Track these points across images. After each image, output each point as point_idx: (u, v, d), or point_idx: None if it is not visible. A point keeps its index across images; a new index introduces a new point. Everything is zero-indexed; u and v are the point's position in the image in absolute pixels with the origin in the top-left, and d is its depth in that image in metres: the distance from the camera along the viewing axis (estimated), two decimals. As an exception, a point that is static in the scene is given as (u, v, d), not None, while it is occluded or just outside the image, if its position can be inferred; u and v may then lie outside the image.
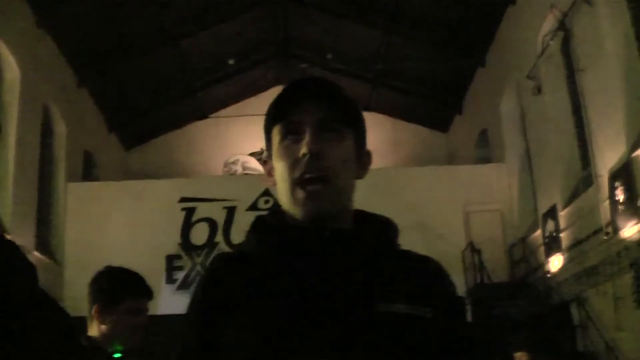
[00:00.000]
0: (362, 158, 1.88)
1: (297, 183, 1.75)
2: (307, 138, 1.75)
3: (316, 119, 1.77)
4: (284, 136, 1.80)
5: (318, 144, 1.74)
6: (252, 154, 25.25)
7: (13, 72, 16.08)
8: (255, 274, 1.75)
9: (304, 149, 1.74)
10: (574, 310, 14.41)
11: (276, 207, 1.91)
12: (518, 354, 7.14)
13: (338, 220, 1.79)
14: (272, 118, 1.83)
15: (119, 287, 3.32)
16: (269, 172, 1.89)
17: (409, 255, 1.88)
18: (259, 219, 1.91)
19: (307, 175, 1.73)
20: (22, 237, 15.66)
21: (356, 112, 1.87)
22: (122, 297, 3.28)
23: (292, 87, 1.84)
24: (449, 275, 1.90)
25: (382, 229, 1.88)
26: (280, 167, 1.79)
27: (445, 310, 1.77)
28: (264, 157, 1.94)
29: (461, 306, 1.89)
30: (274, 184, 1.85)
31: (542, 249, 16.17)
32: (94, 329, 3.27)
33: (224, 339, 1.70)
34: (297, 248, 1.76)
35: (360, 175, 1.87)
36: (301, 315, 1.66)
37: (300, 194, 1.74)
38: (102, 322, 3.25)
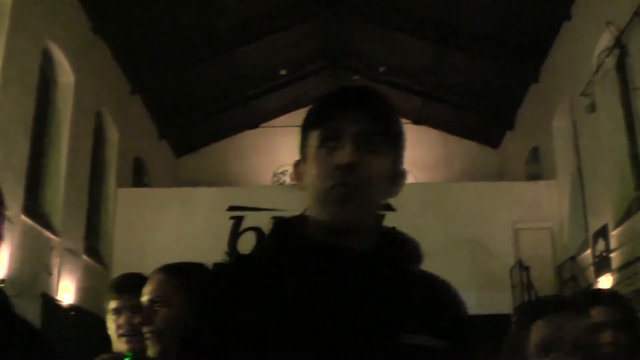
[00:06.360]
0: (397, 177, 1.82)
1: (329, 190, 1.69)
2: (346, 148, 1.70)
3: (357, 130, 1.72)
4: (322, 142, 1.74)
5: (356, 156, 1.69)
6: (301, 165, 25.32)
7: (67, 77, 16.27)
8: (268, 288, 1.66)
9: (341, 159, 1.68)
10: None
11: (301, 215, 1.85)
12: None
13: (362, 237, 1.74)
14: (312, 122, 1.78)
15: None
16: (299, 176, 1.84)
17: (427, 279, 1.83)
18: (279, 225, 1.84)
19: (341, 185, 1.68)
20: (72, 240, 15.83)
21: (398, 129, 1.81)
22: None
23: (337, 93, 1.79)
24: (463, 302, 1.85)
25: (407, 251, 1.82)
26: (314, 173, 1.74)
27: (460, 343, 1.73)
28: (296, 163, 1.88)
29: (474, 340, 1.82)
30: (303, 188, 1.80)
31: (591, 269, 15.96)
32: None
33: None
34: (317, 268, 1.69)
35: (392, 194, 1.81)
36: (321, 341, 1.59)
37: (331, 197, 1.69)
38: None
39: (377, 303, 1.66)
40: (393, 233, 1.85)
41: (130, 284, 3.49)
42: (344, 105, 1.75)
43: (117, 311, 3.39)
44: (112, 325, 3.40)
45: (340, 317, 1.61)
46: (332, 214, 1.70)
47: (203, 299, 1.75)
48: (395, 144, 1.80)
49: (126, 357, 3.29)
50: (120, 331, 3.35)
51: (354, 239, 1.72)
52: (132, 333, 3.29)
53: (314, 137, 1.77)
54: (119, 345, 3.36)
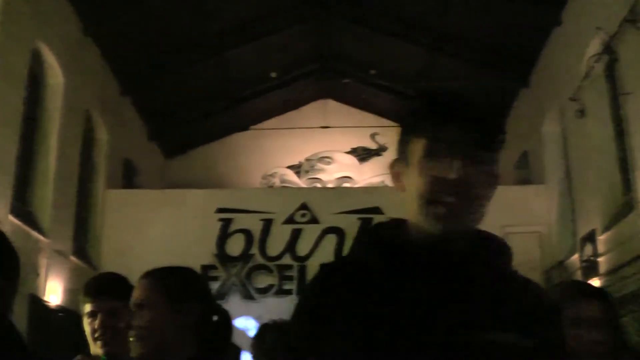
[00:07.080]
0: (494, 180, 1.86)
1: (434, 203, 1.72)
2: (453, 162, 1.72)
3: (465, 143, 1.75)
4: (427, 152, 1.76)
5: (463, 170, 1.72)
6: (290, 167, 25.29)
7: (57, 78, 16.21)
8: (367, 286, 1.73)
9: (452, 173, 1.71)
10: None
11: (395, 219, 1.91)
12: None
13: (460, 240, 1.79)
14: (416, 129, 1.80)
15: None
16: (398, 177, 1.86)
17: (516, 279, 1.92)
18: (378, 229, 1.89)
19: (450, 199, 1.71)
20: (61, 242, 15.79)
21: (498, 138, 1.89)
22: None
23: (441, 102, 1.83)
24: (552, 303, 1.90)
25: (500, 252, 1.93)
26: (418, 182, 1.76)
27: (548, 342, 1.77)
28: (394, 162, 1.90)
29: (562, 339, 1.87)
30: (403, 190, 1.83)
31: (579, 274, 15.98)
32: None
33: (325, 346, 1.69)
34: (415, 267, 1.74)
35: (490, 198, 1.85)
36: (409, 337, 1.65)
37: (437, 211, 1.72)
38: None
39: (470, 302, 1.71)
40: (486, 235, 1.93)
41: (104, 286, 3.48)
42: (450, 116, 1.79)
43: (92, 314, 3.37)
44: (87, 328, 3.37)
45: (435, 316, 1.67)
46: (435, 228, 1.74)
47: (311, 300, 1.82)
48: (495, 151, 1.86)
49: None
50: (96, 334, 3.33)
51: (453, 243, 1.77)
52: (107, 336, 3.28)
53: (419, 145, 1.78)
54: (95, 348, 3.34)
